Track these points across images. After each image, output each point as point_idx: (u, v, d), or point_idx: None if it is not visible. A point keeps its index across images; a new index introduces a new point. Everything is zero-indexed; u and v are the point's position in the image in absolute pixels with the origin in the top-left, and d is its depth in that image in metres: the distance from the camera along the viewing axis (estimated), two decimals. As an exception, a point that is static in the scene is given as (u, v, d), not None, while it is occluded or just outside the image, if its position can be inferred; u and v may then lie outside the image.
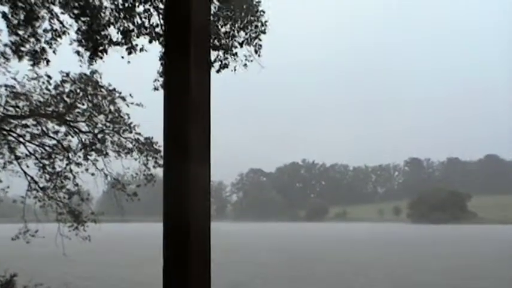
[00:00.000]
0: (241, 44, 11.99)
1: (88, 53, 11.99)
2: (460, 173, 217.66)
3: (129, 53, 11.73)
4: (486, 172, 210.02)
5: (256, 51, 11.93)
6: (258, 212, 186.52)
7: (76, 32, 11.77)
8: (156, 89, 12.56)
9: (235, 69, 12.07)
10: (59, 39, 12.11)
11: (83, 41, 11.75)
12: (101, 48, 11.59)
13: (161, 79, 12.41)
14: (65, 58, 13.27)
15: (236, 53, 11.96)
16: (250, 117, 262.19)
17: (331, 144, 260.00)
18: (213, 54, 11.70)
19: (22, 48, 12.49)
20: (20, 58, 12.76)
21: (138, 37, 11.72)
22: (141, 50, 11.76)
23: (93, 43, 11.56)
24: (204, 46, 2.35)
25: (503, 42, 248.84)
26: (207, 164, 2.24)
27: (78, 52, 12.11)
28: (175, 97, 2.19)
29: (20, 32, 12.11)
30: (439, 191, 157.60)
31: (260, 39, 11.99)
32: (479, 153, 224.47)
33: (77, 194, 15.73)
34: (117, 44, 11.55)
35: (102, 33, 11.50)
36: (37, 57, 12.65)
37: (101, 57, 11.92)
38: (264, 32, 11.99)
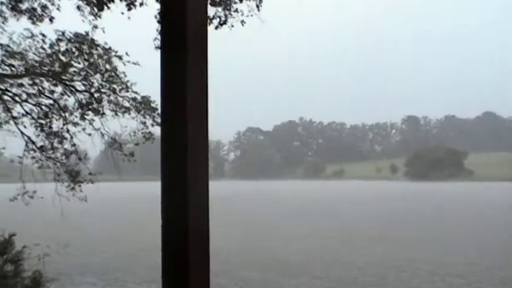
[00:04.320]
0: None
1: (88, 8, 11.83)
2: (457, 131, 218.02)
3: (129, 9, 11.55)
4: (483, 129, 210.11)
5: (257, 6, 11.66)
6: (255, 170, 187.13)
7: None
8: (158, 47, 12.41)
9: (243, 23, 11.81)
10: None
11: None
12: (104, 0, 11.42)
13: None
14: (62, 16, 13.11)
15: (237, 9, 11.73)
16: (248, 75, 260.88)
17: (328, 102, 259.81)
18: (212, 10, 11.48)
19: (20, 6, 12.33)
20: (19, 14, 12.59)
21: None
22: (141, 4, 11.57)
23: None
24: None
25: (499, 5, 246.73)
26: (205, 123, 2.19)
27: (78, 7, 11.96)
28: (173, 58, 2.11)
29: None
30: (437, 148, 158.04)
31: None
32: (476, 110, 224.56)
33: (74, 154, 15.70)
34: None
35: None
36: (36, 15, 12.48)
37: (108, 7, 11.71)
38: None
